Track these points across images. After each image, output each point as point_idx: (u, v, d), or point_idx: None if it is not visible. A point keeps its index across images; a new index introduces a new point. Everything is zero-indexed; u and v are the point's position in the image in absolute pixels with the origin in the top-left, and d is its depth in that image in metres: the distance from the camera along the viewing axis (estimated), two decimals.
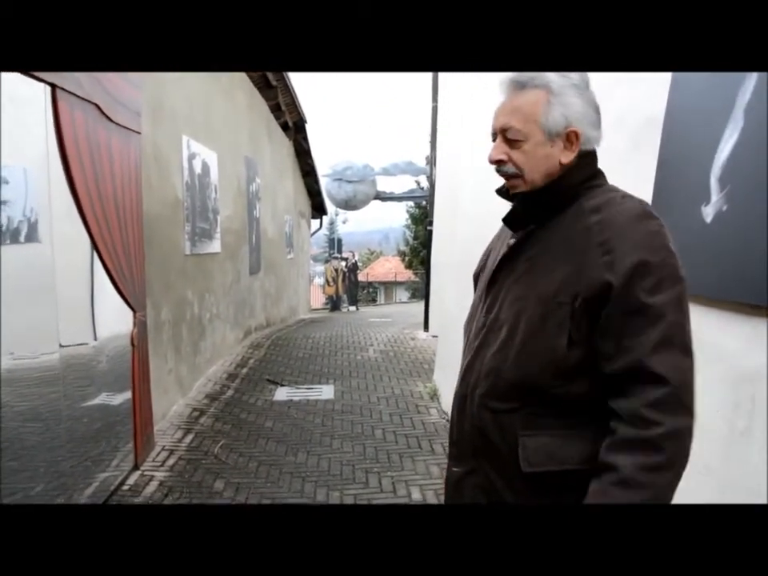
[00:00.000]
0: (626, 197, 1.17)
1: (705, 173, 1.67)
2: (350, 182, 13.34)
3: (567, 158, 1.18)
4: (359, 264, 23.75)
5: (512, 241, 1.26)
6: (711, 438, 1.85)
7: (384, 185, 14.55)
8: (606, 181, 1.23)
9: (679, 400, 1.04)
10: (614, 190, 1.20)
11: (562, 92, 1.14)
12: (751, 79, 1.49)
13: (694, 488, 1.93)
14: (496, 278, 1.27)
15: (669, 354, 1.05)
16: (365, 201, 13.86)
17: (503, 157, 1.18)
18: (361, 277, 23.60)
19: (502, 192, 1.29)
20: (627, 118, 2.19)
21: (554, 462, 1.13)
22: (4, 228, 2.37)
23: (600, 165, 1.23)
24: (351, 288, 18.32)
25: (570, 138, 1.16)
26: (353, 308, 17.61)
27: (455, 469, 1.32)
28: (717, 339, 1.81)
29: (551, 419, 1.15)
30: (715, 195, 1.62)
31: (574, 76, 1.16)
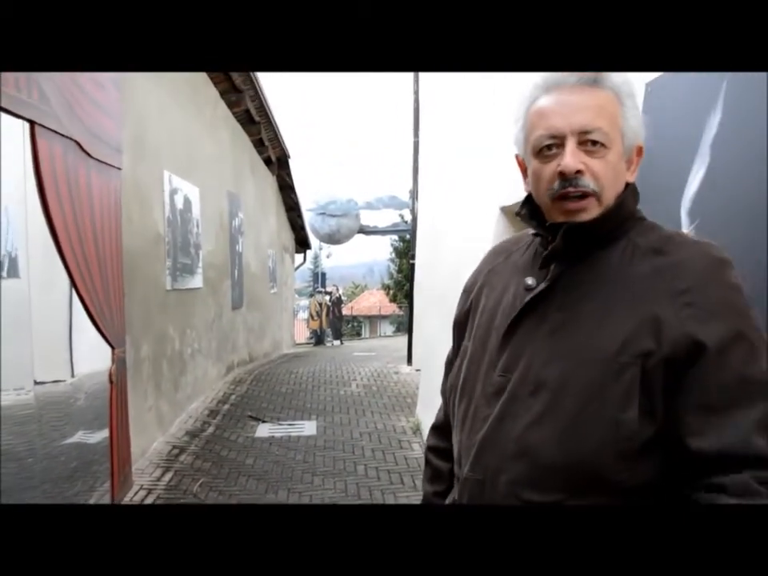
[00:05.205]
0: (682, 234, 1.00)
1: (675, 206, 1.70)
2: (333, 216, 13.41)
3: (630, 178, 0.98)
4: (343, 298, 23.73)
5: (531, 281, 1.00)
6: None
7: (368, 219, 14.62)
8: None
9: None
10: (659, 225, 1.00)
11: (630, 97, 0.95)
12: (716, 114, 1.54)
13: None
14: (517, 327, 0.99)
15: None
16: (348, 235, 13.92)
17: (582, 167, 0.91)
18: (345, 311, 23.56)
19: (532, 217, 1.02)
20: None
21: None
22: None
23: None
24: (335, 322, 18.28)
25: (635, 154, 0.98)
26: (337, 342, 17.53)
27: None
28: None
29: None
30: (685, 229, 1.65)
31: (632, 81, 0.96)
